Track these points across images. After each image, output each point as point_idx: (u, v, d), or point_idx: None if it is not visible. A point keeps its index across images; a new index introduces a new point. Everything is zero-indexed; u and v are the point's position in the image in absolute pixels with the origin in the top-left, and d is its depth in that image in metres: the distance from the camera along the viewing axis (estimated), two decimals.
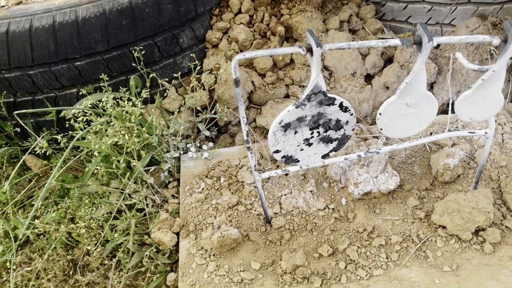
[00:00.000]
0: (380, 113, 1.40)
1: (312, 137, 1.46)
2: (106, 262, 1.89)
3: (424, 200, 1.86)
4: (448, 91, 2.20)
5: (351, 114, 1.42)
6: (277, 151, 1.46)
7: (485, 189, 1.78)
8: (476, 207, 1.67)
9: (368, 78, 2.39)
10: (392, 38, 2.46)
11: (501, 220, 1.74)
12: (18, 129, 2.32)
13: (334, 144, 1.51)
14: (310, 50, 1.24)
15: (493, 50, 2.16)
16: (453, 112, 2.12)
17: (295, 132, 1.43)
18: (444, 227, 1.73)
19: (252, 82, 2.31)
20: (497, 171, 1.92)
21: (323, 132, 1.46)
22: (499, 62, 1.24)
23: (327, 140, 1.49)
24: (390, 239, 1.74)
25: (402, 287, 1.59)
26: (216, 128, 2.36)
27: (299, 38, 2.43)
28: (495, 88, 1.32)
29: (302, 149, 1.49)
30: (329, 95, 1.35)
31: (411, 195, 1.88)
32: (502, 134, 2.06)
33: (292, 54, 2.39)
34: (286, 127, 1.40)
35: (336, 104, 1.38)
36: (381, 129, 1.44)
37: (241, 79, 2.25)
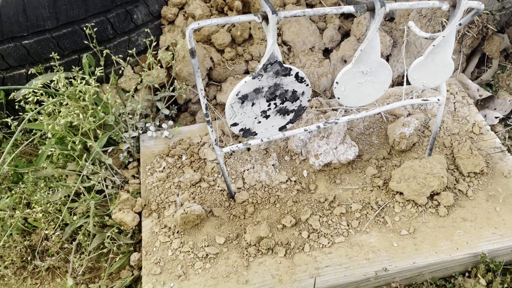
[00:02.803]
0: (337, 82, 1.41)
1: (269, 109, 1.46)
2: (65, 246, 1.84)
3: (382, 169, 1.91)
4: (403, 63, 2.25)
5: (307, 85, 1.43)
6: (235, 124, 1.46)
7: (439, 155, 1.85)
8: (430, 173, 1.73)
9: (326, 52, 2.41)
10: None
11: (454, 184, 1.82)
12: None
13: (291, 115, 1.52)
14: (265, 18, 1.23)
15: (445, 22, 2.22)
16: (408, 83, 2.17)
17: (253, 104, 1.42)
18: (401, 193, 1.79)
19: (211, 58, 2.28)
20: (450, 138, 1.99)
21: (280, 104, 1.46)
22: (448, 27, 1.27)
23: (284, 111, 1.49)
24: (351, 207, 1.79)
25: (362, 252, 1.64)
26: (176, 107, 2.32)
27: None
28: (445, 54, 1.36)
29: (259, 122, 1.49)
30: (285, 65, 1.35)
31: (370, 165, 1.93)
32: (454, 103, 2.14)
33: (250, 29, 2.37)
34: (244, 99, 1.39)
35: (292, 75, 1.38)
36: (338, 98, 1.46)
37: (199, 56, 2.22)
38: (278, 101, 1.45)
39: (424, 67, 1.40)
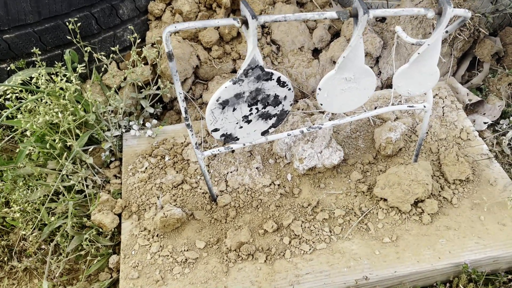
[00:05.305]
0: (319, 88, 1.38)
1: (251, 113, 1.42)
2: (43, 246, 1.80)
3: (367, 174, 1.89)
4: (393, 65, 2.21)
5: (289, 89, 1.39)
6: (216, 130, 1.42)
7: (425, 162, 1.82)
8: (415, 179, 1.71)
9: (316, 52, 2.37)
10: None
11: (439, 191, 1.80)
12: None
13: (273, 120, 1.48)
14: (245, 23, 1.19)
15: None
16: None
17: (234, 109, 1.38)
18: (385, 200, 1.76)
19: (198, 56, 2.23)
20: (437, 143, 1.97)
21: (262, 109, 1.43)
22: (433, 35, 1.24)
23: (266, 116, 1.46)
24: (334, 213, 1.76)
25: (343, 259, 1.62)
26: (161, 105, 2.28)
27: None
28: (431, 62, 1.33)
29: (241, 127, 1.45)
30: (266, 70, 1.31)
31: (355, 169, 1.90)
32: (443, 107, 2.11)
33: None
34: (224, 104, 1.35)
35: (273, 79, 1.35)
36: (321, 104, 1.43)
37: (186, 53, 2.17)
38: (260, 106, 1.42)
39: (409, 75, 1.37)
